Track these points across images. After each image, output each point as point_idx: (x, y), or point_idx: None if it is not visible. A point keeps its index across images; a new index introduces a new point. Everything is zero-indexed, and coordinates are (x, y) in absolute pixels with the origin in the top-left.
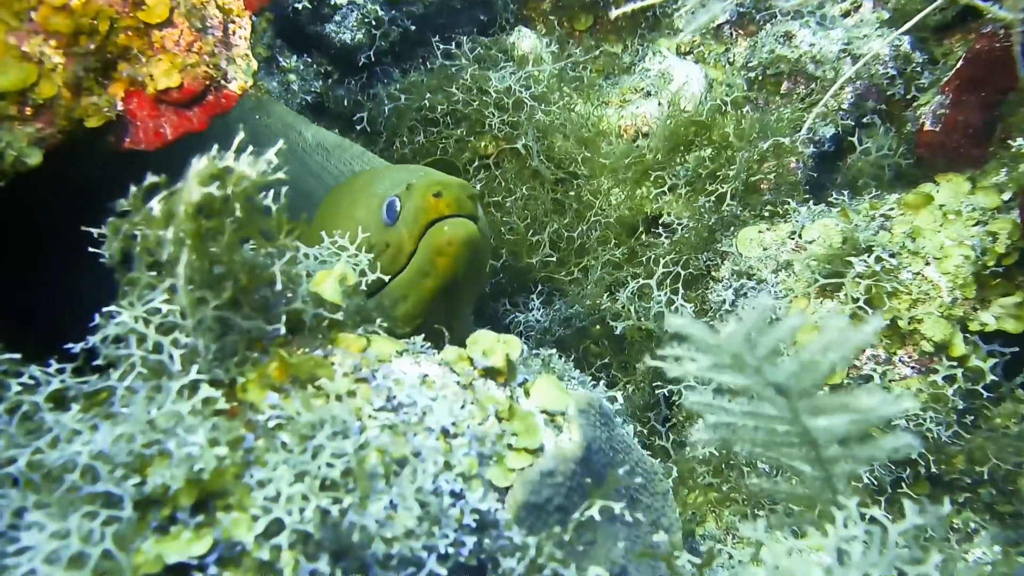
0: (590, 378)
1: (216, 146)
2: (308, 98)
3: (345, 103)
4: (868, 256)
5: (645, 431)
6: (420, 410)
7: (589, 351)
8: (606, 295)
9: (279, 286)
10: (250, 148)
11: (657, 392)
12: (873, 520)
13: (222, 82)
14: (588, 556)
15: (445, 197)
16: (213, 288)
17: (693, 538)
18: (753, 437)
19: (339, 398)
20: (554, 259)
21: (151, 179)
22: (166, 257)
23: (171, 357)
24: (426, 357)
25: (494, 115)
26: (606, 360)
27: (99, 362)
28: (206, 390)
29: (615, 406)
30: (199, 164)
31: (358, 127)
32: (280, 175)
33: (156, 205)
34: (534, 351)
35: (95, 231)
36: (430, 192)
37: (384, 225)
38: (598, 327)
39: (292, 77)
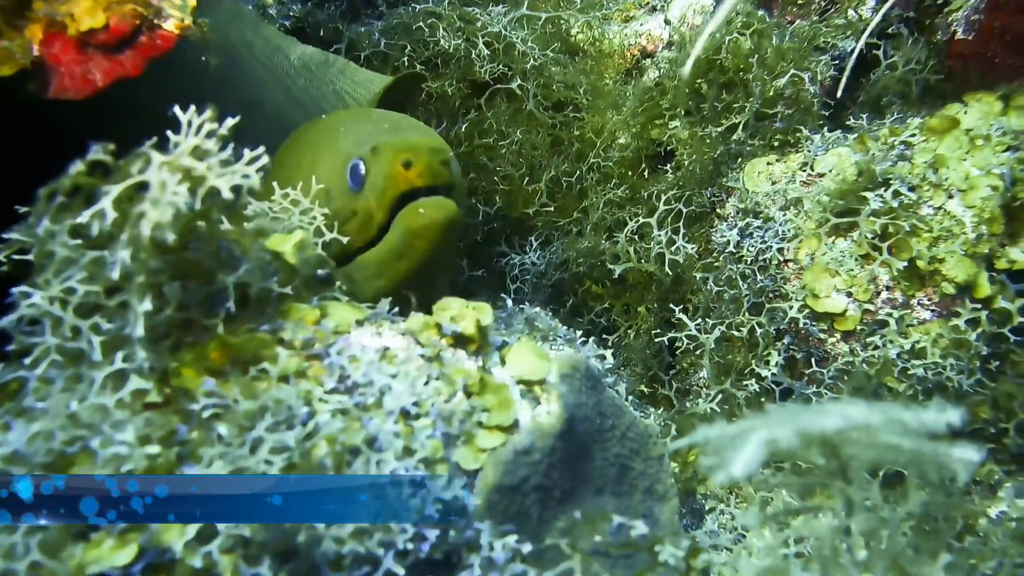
0: (580, 333)
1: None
2: (287, 23)
3: (323, 32)
4: (885, 190)
5: (647, 380)
6: (378, 390)
7: (588, 294)
8: (605, 237)
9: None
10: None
11: (658, 340)
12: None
13: (155, 21)
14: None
15: (416, 166)
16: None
17: (693, 498)
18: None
19: (285, 380)
20: (552, 208)
21: (95, 154)
22: (116, 276)
23: (91, 343)
24: (389, 325)
25: (484, 60)
26: (606, 304)
27: (11, 347)
28: (136, 381)
29: (606, 364)
30: (164, 194)
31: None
32: (253, 182)
33: (109, 210)
34: (520, 306)
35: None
36: (398, 161)
37: (349, 190)
38: (597, 270)
39: (269, 0)
